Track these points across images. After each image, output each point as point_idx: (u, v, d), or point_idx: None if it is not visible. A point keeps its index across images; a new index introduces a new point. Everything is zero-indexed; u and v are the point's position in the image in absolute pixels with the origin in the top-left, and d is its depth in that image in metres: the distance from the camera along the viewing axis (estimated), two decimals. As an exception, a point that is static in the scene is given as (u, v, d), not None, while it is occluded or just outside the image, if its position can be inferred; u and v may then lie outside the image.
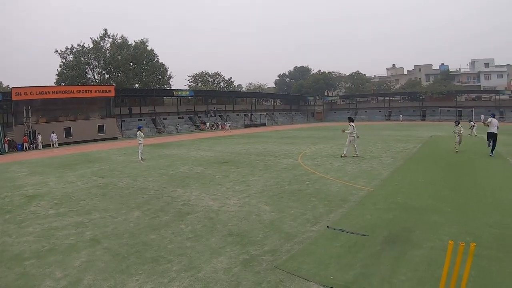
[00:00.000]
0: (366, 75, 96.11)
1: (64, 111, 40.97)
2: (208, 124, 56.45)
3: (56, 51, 56.22)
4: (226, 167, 15.56)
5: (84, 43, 57.92)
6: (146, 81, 62.28)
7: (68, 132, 38.42)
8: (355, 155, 17.21)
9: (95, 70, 58.81)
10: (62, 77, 55.50)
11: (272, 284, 4.71)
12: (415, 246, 5.84)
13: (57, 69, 56.80)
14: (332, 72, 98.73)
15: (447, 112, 69.32)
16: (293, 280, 4.80)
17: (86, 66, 57.62)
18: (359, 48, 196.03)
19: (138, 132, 19.47)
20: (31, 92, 36.03)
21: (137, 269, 5.29)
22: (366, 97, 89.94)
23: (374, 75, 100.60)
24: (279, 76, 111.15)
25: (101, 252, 6.05)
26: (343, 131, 18.09)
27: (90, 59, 57.63)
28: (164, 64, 65.38)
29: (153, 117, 53.66)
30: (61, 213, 8.73)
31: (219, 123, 59.27)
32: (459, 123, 18.90)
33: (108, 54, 57.90)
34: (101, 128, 41.50)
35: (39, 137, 34.77)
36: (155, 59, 63.91)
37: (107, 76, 59.58)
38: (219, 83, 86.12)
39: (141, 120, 51.43)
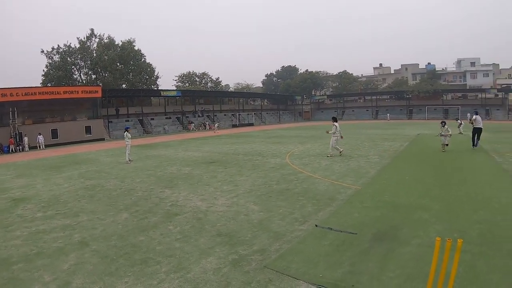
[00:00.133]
0: (353, 75, 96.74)
1: (51, 112, 40.37)
2: (193, 124, 56.12)
3: (42, 51, 55.37)
4: (214, 167, 15.54)
5: (70, 43, 57.18)
6: (133, 82, 61.66)
7: (54, 133, 37.90)
8: (339, 152, 17.35)
9: (81, 70, 58.04)
10: (49, 77, 54.63)
11: (261, 283, 4.73)
12: (403, 243, 5.91)
13: (43, 70, 55.94)
14: (320, 71, 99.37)
15: (434, 111, 70.30)
16: (283, 279, 4.82)
17: (73, 67, 56.78)
18: (352, 49, 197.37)
19: (125, 133, 19.32)
20: (17, 93, 35.37)
21: (126, 271, 5.26)
22: (353, 96, 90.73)
23: (361, 75, 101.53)
24: (266, 75, 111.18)
25: (90, 255, 6.00)
26: (327, 132, 18.06)
27: (77, 60, 56.82)
28: (151, 64, 64.81)
29: (141, 118, 53.25)
30: (49, 216, 8.63)
31: (207, 123, 59.07)
32: (445, 124, 17.91)
33: (94, 54, 57.19)
34: (88, 129, 41.05)
35: (26, 139, 34.29)
36: (142, 59, 63.29)
37: (94, 76, 58.86)
38: (207, 83, 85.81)
39: (128, 120, 51.01)
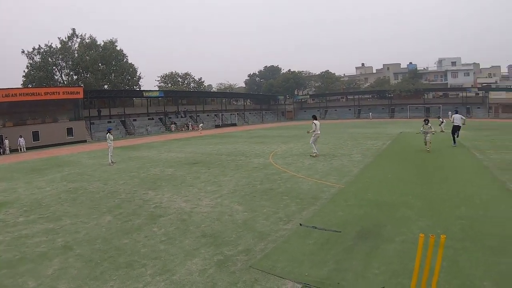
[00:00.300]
0: (336, 74, 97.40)
1: (32, 114, 39.48)
2: (173, 126, 55.64)
3: (23, 51, 54.16)
4: (197, 168, 15.49)
5: (52, 43, 56.02)
6: (115, 82, 60.84)
7: (36, 135, 37.13)
8: (316, 154, 16.99)
9: (63, 71, 56.88)
10: (29, 78, 53.43)
11: (247, 283, 4.75)
12: (387, 240, 6.01)
13: (24, 70, 54.76)
14: (302, 71, 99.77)
15: (415, 110, 71.63)
16: (268, 278, 4.85)
17: (54, 67, 55.69)
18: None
19: (108, 134, 19.07)
20: (-3, 94, 34.71)
21: (111, 275, 5.21)
22: (336, 95, 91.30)
23: (344, 74, 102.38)
24: (249, 75, 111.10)
25: (74, 259, 5.92)
26: (308, 132, 18.02)
27: (58, 60, 55.71)
28: (133, 65, 64.03)
29: (123, 119, 52.64)
30: (31, 220, 8.46)
31: (190, 123, 58.75)
32: (428, 122, 17.63)
33: (76, 55, 56.20)
34: (69, 131, 40.35)
35: (6, 142, 33.47)
36: (124, 60, 62.56)
37: (75, 77, 57.82)
38: (189, 84, 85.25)
39: (110, 122, 50.32)
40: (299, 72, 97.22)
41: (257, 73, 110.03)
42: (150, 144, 31.03)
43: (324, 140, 24.17)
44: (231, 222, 7.51)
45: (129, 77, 63.74)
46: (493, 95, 66.30)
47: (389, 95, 78.04)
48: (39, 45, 54.60)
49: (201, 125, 49.78)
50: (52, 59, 55.07)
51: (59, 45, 55.68)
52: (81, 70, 56.88)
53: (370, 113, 72.87)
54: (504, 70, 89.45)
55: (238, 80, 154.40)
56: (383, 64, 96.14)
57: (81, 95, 42.38)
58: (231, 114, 73.17)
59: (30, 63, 54.40)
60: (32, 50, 54.41)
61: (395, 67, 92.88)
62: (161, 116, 59.26)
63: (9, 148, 33.46)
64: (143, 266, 5.48)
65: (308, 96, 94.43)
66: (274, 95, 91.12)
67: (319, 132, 17.15)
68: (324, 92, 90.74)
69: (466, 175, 11.30)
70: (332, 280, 4.69)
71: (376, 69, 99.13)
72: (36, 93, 38.75)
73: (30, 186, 13.26)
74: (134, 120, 54.69)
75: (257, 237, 6.53)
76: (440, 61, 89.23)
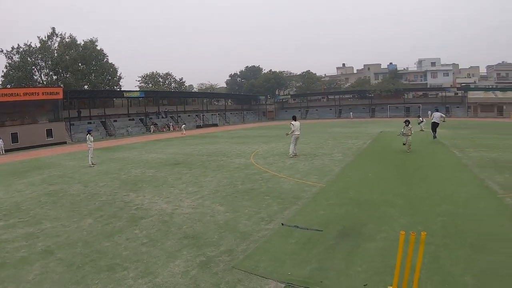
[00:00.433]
0: (317, 74, 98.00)
1: (10, 115, 38.48)
2: (152, 127, 54.97)
3: (1, 50, 52.88)
4: (179, 169, 15.42)
5: (31, 42, 54.82)
6: (95, 82, 59.81)
7: (15, 137, 36.21)
8: (293, 155, 16.96)
9: (42, 71, 55.61)
10: (8, 78, 52.19)
11: (230, 284, 4.77)
12: (369, 238, 6.12)
13: (3, 71, 53.39)
14: (283, 71, 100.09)
15: (396, 109, 72.71)
16: (251, 279, 4.89)
17: (33, 67, 54.48)
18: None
19: (88, 135, 18.80)
20: (-25, 95, 33.76)
21: (93, 279, 5.16)
22: (317, 95, 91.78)
23: (325, 74, 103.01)
24: (230, 76, 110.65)
25: (55, 264, 5.84)
26: (287, 134, 17.93)
27: (37, 60, 54.48)
28: (114, 65, 63.07)
29: (103, 120, 51.81)
30: (11, 225, 8.28)
31: (171, 124, 58.31)
32: (409, 123, 17.14)
33: (56, 54, 55.06)
34: (49, 133, 39.47)
35: (-16, 144, 32.69)
36: (105, 59, 61.59)
37: (55, 77, 56.60)
38: (170, 84, 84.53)
39: (90, 123, 49.44)
40: (280, 72, 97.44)
41: (238, 73, 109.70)
42: (131, 145, 30.69)
43: (305, 140, 24.35)
44: (213, 223, 7.52)
45: (110, 77, 62.72)
46: (471, 94, 67.66)
47: (370, 95, 78.90)
48: (18, 44, 53.47)
49: (183, 126, 49.45)
50: (31, 58, 53.82)
51: (38, 45, 54.56)
52: (60, 70, 55.72)
53: (351, 113, 73.50)
54: (482, 70, 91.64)
55: (220, 80, 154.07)
56: (364, 64, 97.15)
57: (60, 96, 41.53)
58: (212, 114, 72.70)
59: (8, 63, 53.10)
60: (11, 49, 53.20)
61: (375, 67, 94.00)
62: (142, 117, 58.49)
63: (-12, 151, 32.63)
64: (125, 269, 5.44)
65: (289, 96, 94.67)
66: (255, 95, 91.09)
67: (298, 133, 17.01)
68: (305, 92, 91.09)
69: (446, 173, 11.56)
70: (315, 279, 4.75)
71: (357, 69, 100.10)
72: (14, 93, 37.78)
73: (10, 189, 12.95)
74: (115, 121, 53.89)
75: (239, 237, 6.56)
76: (420, 62, 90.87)
